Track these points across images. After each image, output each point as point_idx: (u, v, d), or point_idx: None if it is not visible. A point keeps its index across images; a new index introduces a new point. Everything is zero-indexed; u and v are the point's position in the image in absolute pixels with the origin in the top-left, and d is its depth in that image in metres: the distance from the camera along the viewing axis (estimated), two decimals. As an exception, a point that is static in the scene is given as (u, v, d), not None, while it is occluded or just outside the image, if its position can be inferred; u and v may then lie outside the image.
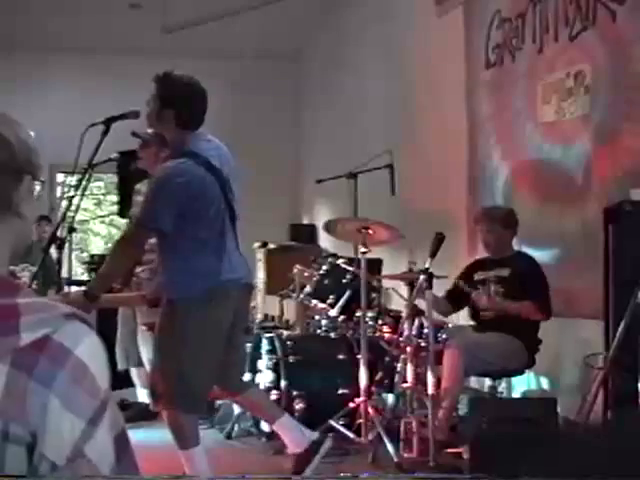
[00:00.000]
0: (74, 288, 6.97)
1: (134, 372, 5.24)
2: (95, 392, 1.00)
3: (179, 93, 3.39)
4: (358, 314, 4.67)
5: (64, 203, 3.40)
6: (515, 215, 4.75)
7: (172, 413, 3.37)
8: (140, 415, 5.05)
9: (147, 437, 4.47)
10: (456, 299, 4.78)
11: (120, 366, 5.14)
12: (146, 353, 4.79)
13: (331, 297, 4.86)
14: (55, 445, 0.95)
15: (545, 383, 5.08)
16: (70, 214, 3.37)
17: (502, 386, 4.66)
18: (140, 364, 5.09)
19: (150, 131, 4.01)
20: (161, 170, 3.36)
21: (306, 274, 5.21)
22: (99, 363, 1.02)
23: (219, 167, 3.40)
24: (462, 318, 5.10)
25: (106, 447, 0.99)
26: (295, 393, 4.64)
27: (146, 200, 3.37)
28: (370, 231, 4.40)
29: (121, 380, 5.09)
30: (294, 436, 3.73)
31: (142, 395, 5.26)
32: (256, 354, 4.99)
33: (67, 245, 3.47)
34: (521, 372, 4.63)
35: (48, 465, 0.94)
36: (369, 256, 4.50)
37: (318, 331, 5.27)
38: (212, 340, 3.38)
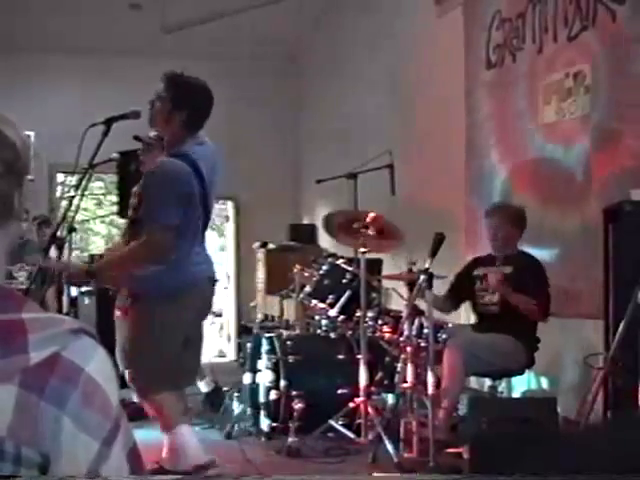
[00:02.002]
0: (74, 288, 7.01)
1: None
2: (108, 411, 0.98)
3: (194, 96, 3.38)
4: (358, 314, 4.67)
5: (64, 203, 3.39)
6: (525, 215, 4.74)
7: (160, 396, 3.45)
8: (139, 413, 5.05)
9: (146, 436, 4.47)
10: (458, 295, 4.81)
11: (122, 367, 5.13)
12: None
13: (331, 297, 4.86)
14: (70, 467, 0.93)
15: (545, 383, 5.08)
16: (70, 214, 3.37)
17: (502, 386, 4.65)
18: None
19: (152, 134, 3.97)
20: (159, 166, 3.35)
21: (306, 274, 5.22)
22: (109, 379, 1.00)
23: (204, 173, 3.39)
24: (462, 318, 5.10)
25: (121, 465, 0.98)
26: (295, 393, 4.64)
27: (154, 199, 3.33)
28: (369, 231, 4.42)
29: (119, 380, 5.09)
30: (194, 447, 3.56)
31: None
32: (256, 354, 4.99)
33: (67, 245, 3.45)
34: (521, 372, 4.63)
35: None
36: (369, 256, 4.50)
37: (318, 331, 5.27)
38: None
